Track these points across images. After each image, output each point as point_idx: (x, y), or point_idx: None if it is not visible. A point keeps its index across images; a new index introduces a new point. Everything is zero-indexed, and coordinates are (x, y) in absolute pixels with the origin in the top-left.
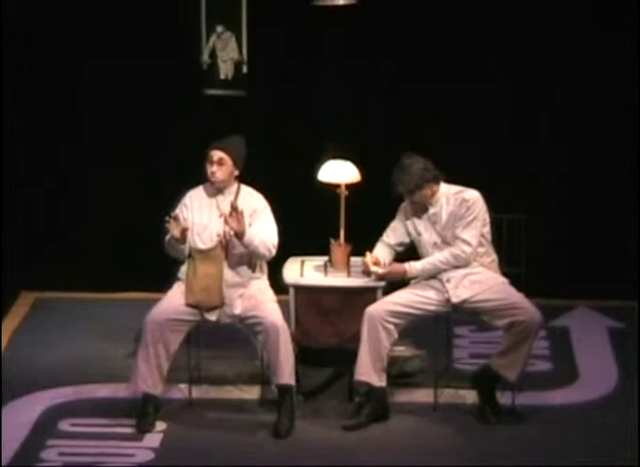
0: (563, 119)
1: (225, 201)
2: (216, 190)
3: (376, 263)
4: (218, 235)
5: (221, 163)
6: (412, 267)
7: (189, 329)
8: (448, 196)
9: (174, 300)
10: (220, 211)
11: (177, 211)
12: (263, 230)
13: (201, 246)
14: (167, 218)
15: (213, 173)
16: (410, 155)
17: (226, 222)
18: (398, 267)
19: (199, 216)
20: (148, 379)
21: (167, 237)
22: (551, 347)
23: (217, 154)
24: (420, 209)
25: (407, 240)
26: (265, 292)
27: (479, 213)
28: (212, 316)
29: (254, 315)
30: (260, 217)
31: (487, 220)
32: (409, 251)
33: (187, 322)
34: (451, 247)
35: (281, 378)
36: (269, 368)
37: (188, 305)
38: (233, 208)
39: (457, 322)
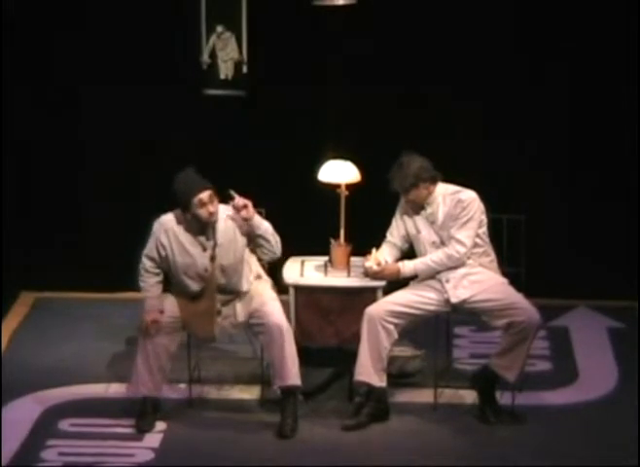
0: (564, 118)
1: (208, 237)
2: (195, 225)
3: (378, 264)
4: (206, 270)
5: (212, 201)
6: (406, 266)
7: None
8: (445, 195)
9: (168, 302)
10: (202, 246)
11: (153, 248)
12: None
13: (192, 287)
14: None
15: (212, 214)
16: (410, 153)
17: (237, 211)
18: (391, 266)
19: (182, 255)
20: (148, 382)
21: (143, 290)
22: (551, 347)
23: (207, 193)
24: (417, 208)
25: (409, 237)
26: (264, 291)
27: (474, 214)
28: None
29: (257, 316)
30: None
31: (484, 221)
32: (410, 250)
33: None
34: (445, 247)
35: (288, 380)
36: (273, 369)
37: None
38: (236, 208)
39: (457, 322)
